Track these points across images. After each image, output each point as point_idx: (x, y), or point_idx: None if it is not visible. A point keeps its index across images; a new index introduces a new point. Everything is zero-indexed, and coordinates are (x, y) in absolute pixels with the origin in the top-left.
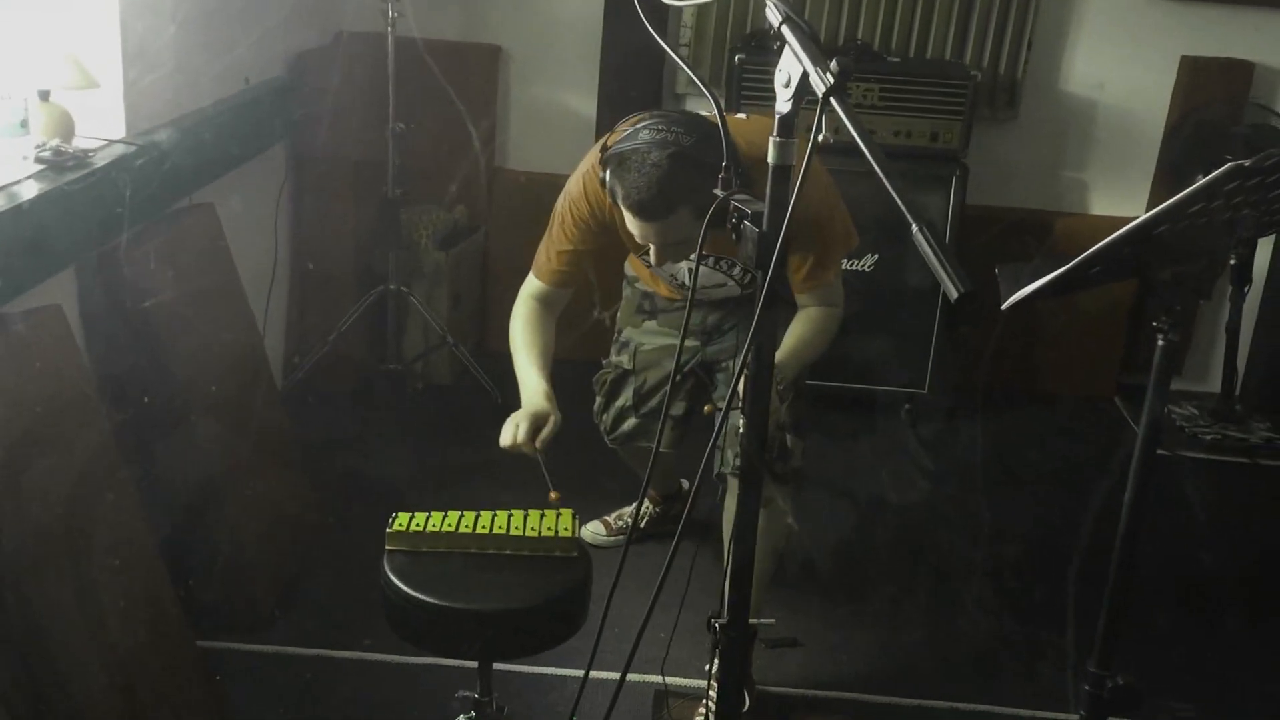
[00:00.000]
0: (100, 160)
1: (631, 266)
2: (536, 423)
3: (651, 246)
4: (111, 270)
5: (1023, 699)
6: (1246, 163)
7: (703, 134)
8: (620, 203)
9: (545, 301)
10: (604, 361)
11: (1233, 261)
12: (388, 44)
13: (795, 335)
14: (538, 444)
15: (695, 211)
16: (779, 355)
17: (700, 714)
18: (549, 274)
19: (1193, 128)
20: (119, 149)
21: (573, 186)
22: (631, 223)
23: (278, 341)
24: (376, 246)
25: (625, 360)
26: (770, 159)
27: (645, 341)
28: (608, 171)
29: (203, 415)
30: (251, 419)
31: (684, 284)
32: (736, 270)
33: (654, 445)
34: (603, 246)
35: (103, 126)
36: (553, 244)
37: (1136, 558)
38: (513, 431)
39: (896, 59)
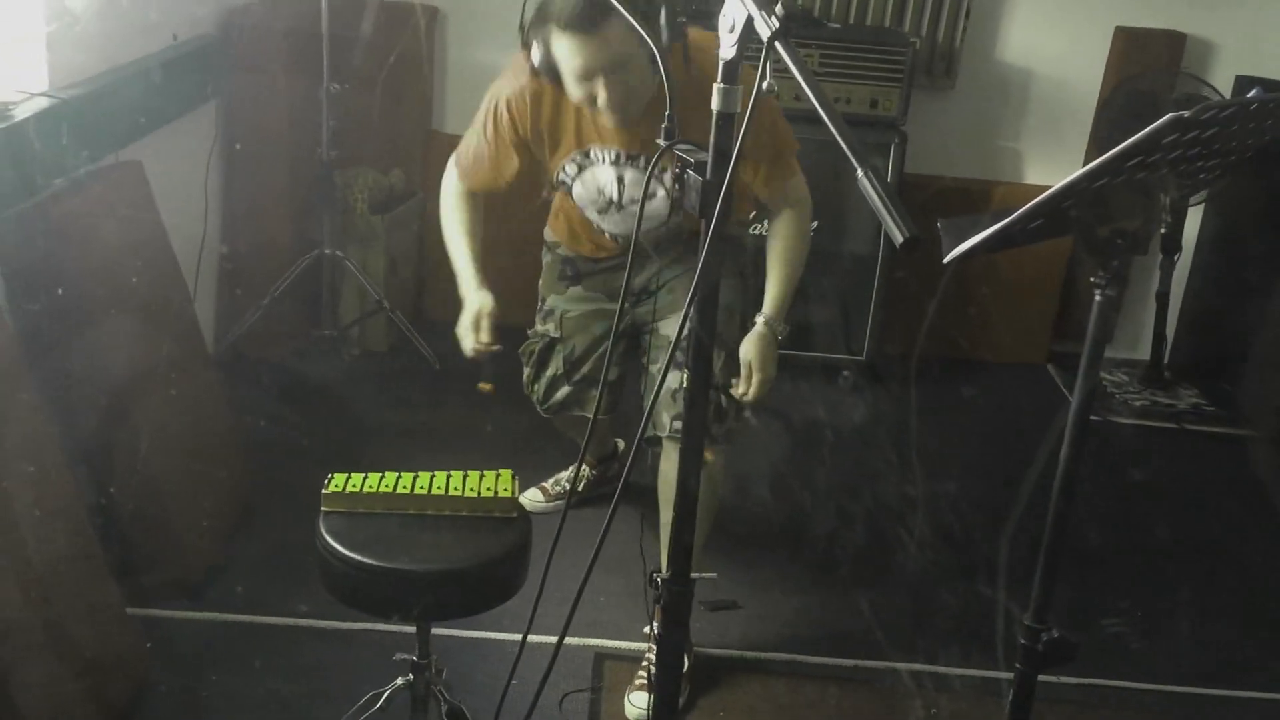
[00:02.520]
0: (21, 114)
1: (552, 231)
2: (493, 320)
3: (599, 93)
4: (33, 227)
5: (959, 658)
6: (1186, 114)
7: None
8: (553, 25)
9: (471, 194)
10: (529, 332)
11: (1163, 230)
12: (322, 2)
13: (777, 262)
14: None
15: (629, 26)
16: (771, 307)
17: (640, 675)
18: (474, 176)
19: (1125, 98)
20: (41, 102)
21: (501, 88)
22: (568, 52)
23: (209, 304)
24: (311, 210)
25: (552, 328)
26: (714, 106)
27: (570, 308)
28: (531, 17)
29: (133, 381)
30: (182, 386)
31: (610, 234)
32: (667, 176)
33: (588, 412)
34: (530, 161)
35: (25, 79)
36: (480, 146)
37: (1072, 513)
38: (474, 338)
39: (836, 25)
